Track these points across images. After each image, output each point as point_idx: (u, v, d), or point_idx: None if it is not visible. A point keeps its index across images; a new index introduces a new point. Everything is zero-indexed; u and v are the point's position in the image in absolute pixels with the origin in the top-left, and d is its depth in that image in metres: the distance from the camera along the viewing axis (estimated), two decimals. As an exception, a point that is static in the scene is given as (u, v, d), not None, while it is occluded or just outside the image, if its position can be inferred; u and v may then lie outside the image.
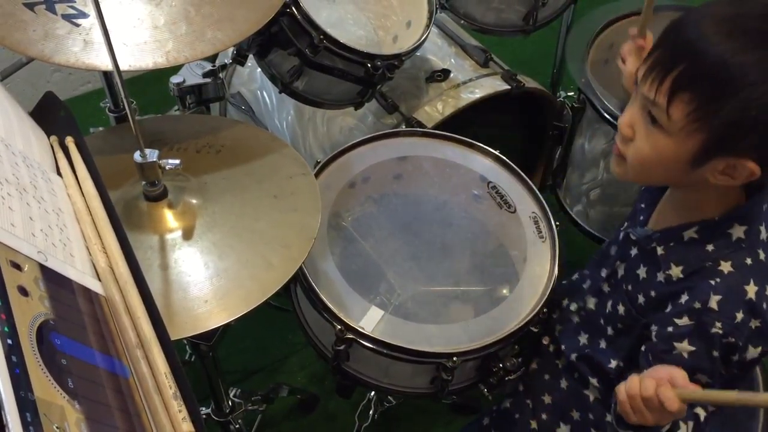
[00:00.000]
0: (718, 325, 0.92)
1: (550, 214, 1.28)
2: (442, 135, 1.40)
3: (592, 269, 1.24)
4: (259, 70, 1.54)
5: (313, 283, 1.12)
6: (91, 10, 1.00)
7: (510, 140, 1.86)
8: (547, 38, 1.99)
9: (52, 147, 0.90)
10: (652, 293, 1.02)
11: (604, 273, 1.15)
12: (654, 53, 0.90)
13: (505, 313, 1.16)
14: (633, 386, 0.88)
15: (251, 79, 1.89)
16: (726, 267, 0.94)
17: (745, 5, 0.87)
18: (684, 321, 0.95)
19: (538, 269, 1.22)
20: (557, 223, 1.27)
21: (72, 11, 1.00)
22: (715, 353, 0.93)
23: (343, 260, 1.21)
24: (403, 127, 1.56)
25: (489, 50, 1.74)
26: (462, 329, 1.14)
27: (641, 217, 1.10)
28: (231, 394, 1.50)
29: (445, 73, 1.64)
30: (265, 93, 1.85)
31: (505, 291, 1.21)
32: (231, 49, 1.45)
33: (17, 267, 0.61)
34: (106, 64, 0.92)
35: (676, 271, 0.99)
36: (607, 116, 1.54)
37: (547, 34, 1.86)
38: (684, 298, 0.96)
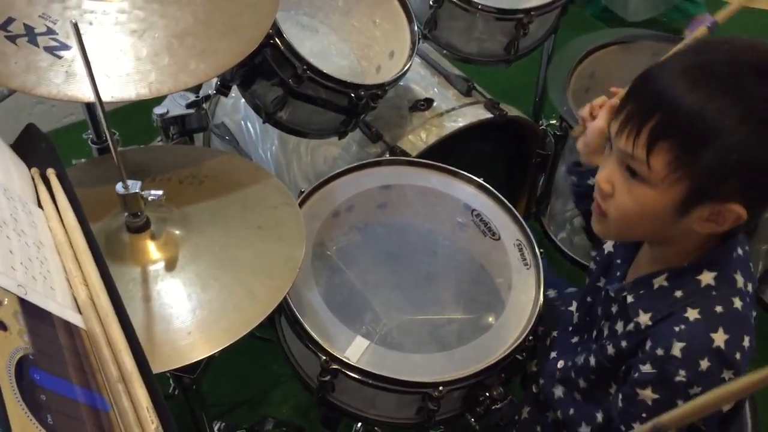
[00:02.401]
0: (682, 373, 0.90)
1: (534, 241, 1.28)
2: (425, 163, 1.41)
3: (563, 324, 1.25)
4: (242, 100, 1.54)
5: (297, 314, 1.11)
6: (73, 42, 1.00)
7: (494, 168, 1.87)
8: (528, 67, 2.02)
9: (33, 179, 0.89)
10: (623, 344, 1.00)
11: (594, 334, 1.13)
12: (626, 107, 0.90)
13: (491, 341, 1.15)
14: None
15: (235, 110, 1.89)
16: (693, 314, 0.92)
17: (710, 54, 0.87)
18: (647, 368, 0.93)
19: (523, 297, 1.21)
20: (542, 251, 1.27)
21: (54, 43, 1.00)
22: (680, 402, 0.90)
23: (327, 290, 1.20)
24: (387, 155, 1.57)
25: (471, 79, 1.76)
26: (448, 358, 1.13)
27: (618, 273, 1.09)
28: (215, 428, 1.48)
29: (428, 102, 1.66)
30: (249, 123, 1.86)
31: (490, 319, 1.21)
32: (215, 80, 1.45)
33: (-4, 301, 0.61)
34: (89, 96, 0.92)
35: (644, 318, 0.97)
36: (589, 144, 1.55)
37: (528, 63, 1.88)
38: (648, 344, 0.95)
